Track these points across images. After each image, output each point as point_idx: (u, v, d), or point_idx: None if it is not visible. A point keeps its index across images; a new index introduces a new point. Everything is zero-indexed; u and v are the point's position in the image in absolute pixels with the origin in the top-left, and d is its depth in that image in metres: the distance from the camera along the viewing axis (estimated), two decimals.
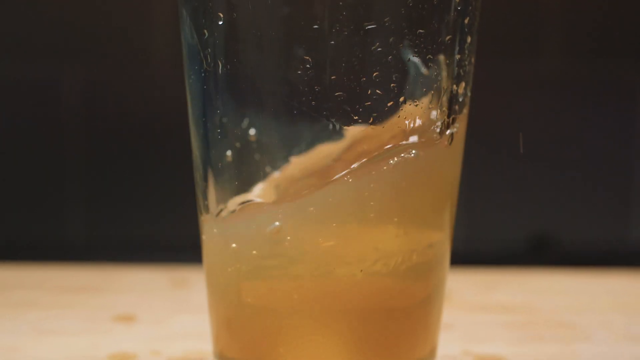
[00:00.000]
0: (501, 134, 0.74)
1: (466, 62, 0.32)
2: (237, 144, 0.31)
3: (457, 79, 0.31)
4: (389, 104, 0.30)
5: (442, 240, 0.32)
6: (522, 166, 0.74)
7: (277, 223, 0.31)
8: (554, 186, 0.75)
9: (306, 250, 0.30)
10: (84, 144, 0.73)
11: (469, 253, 0.65)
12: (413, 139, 0.31)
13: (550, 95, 0.74)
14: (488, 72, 0.72)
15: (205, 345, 0.38)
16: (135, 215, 0.73)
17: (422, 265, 0.31)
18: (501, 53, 0.73)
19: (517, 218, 0.75)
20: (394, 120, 0.30)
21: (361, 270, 0.30)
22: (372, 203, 0.30)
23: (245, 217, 0.31)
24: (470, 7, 0.31)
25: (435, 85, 0.31)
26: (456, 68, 0.31)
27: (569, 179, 0.75)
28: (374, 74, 0.29)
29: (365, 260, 0.30)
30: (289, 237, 0.30)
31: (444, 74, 0.31)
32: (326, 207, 0.30)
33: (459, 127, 0.32)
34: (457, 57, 0.31)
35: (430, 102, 0.31)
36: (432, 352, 0.34)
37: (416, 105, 0.30)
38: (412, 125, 0.30)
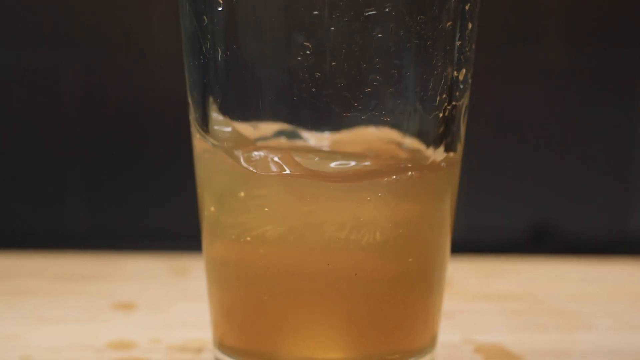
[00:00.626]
0: (502, 123, 0.74)
1: (467, 49, 0.32)
2: (237, 132, 0.31)
3: (457, 66, 0.31)
4: (389, 91, 0.30)
5: (429, 216, 0.32)
6: (523, 155, 0.74)
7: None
8: (554, 175, 0.74)
9: (285, 216, 0.30)
10: (84, 132, 0.72)
11: (470, 241, 0.65)
12: (412, 125, 0.30)
13: (552, 84, 0.74)
14: (490, 61, 0.72)
15: (205, 333, 0.37)
16: (135, 203, 0.73)
17: (401, 238, 0.31)
18: (503, 42, 0.73)
19: (518, 207, 0.75)
20: (393, 107, 0.30)
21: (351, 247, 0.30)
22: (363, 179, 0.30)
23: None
24: None
25: (436, 71, 0.30)
26: (457, 55, 0.31)
27: (569, 167, 0.75)
28: (375, 61, 0.29)
29: (352, 232, 0.30)
30: (266, 208, 0.30)
31: (445, 60, 0.31)
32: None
33: (459, 114, 0.32)
34: (458, 43, 0.31)
35: (431, 88, 0.30)
36: (433, 339, 0.34)
37: (416, 92, 0.30)
38: (412, 111, 0.30)
